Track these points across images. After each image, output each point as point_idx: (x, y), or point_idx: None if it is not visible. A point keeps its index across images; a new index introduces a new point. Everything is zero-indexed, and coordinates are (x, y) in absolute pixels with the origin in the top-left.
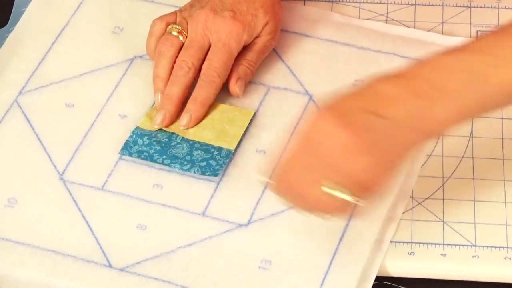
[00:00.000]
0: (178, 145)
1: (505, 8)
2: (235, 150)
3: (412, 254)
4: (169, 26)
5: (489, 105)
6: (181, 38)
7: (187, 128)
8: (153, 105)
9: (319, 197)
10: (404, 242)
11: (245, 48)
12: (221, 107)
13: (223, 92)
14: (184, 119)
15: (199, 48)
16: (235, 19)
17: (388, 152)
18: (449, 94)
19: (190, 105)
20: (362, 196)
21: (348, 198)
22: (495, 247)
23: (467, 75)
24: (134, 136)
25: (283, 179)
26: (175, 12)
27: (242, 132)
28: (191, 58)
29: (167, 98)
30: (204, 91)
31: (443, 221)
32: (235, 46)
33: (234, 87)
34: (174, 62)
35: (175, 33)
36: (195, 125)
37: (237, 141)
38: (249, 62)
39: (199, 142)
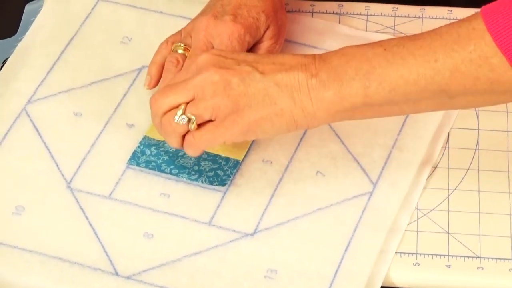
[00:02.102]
0: (185, 155)
1: None
2: (242, 160)
3: (417, 265)
4: (174, 45)
5: (372, 100)
6: (186, 54)
7: None
8: None
9: (171, 118)
10: (409, 253)
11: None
12: None
13: None
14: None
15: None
16: (236, 21)
17: (249, 109)
18: (339, 81)
19: None
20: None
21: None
22: (500, 258)
23: (360, 64)
24: (141, 147)
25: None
26: (180, 31)
27: (250, 142)
28: None
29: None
30: None
31: (448, 233)
32: (238, 48)
33: None
34: None
35: (180, 51)
36: None
37: (245, 152)
38: None
39: (206, 153)
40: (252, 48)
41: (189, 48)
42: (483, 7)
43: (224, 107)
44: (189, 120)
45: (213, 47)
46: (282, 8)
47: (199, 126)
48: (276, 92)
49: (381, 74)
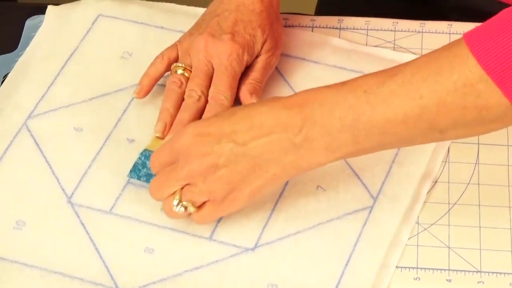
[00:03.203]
0: None
1: None
2: None
3: (417, 279)
4: (173, 65)
5: (364, 146)
6: (186, 74)
7: None
8: None
9: (170, 206)
10: (409, 267)
11: (249, 68)
12: None
13: None
14: None
15: (205, 76)
16: (234, 41)
17: (244, 183)
18: (327, 135)
19: None
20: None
21: (191, 211)
22: (500, 273)
23: (344, 113)
24: (142, 158)
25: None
26: (175, 45)
27: None
28: (199, 87)
29: (179, 122)
30: (213, 114)
31: (448, 247)
32: (237, 67)
33: (251, 99)
34: (183, 98)
35: (180, 72)
36: None
37: None
38: (255, 81)
39: None
40: (251, 63)
41: (188, 68)
42: (466, 32)
43: (219, 191)
44: (186, 207)
45: (213, 68)
46: (278, 19)
47: (200, 206)
48: (264, 161)
49: (367, 121)
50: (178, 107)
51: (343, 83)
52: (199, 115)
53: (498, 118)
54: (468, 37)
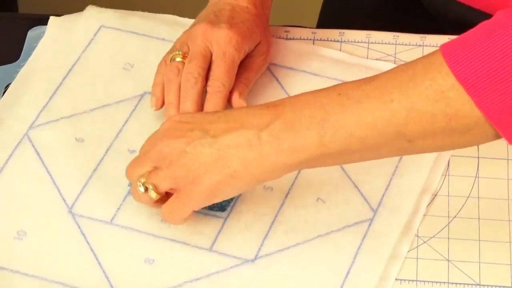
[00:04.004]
0: None
1: None
2: None
3: None
4: (172, 54)
5: (329, 149)
6: (185, 62)
7: None
8: None
9: (136, 187)
10: (409, 280)
11: (241, 67)
12: None
13: None
14: None
15: (202, 57)
16: (233, 29)
17: (205, 175)
18: (293, 132)
19: None
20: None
21: (153, 195)
22: (500, 286)
23: (314, 112)
24: None
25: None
26: (173, 47)
27: None
28: (196, 68)
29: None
30: (212, 104)
31: (448, 260)
32: (236, 54)
33: (239, 100)
34: None
35: (179, 59)
36: None
37: None
38: (246, 80)
39: None
40: (244, 62)
41: (187, 56)
42: (443, 44)
43: (181, 178)
44: (147, 189)
45: (211, 51)
46: (268, 28)
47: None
48: (228, 154)
49: (336, 121)
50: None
51: (321, 89)
52: (200, 98)
53: (468, 130)
54: (444, 47)
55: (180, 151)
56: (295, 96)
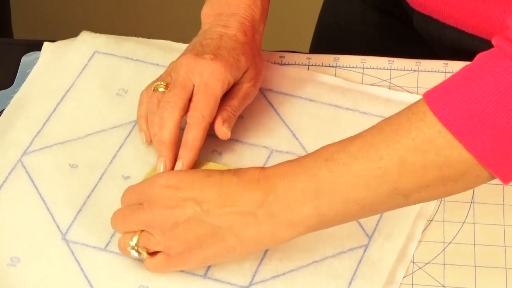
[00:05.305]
0: None
1: None
2: None
3: None
4: (155, 84)
5: (327, 218)
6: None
7: None
8: (155, 166)
9: (126, 243)
10: None
11: (227, 95)
12: (219, 168)
13: (225, 154)
14: (177, 167)
15: (182, 88)
16: (217, 60)
17: (200, 248)
18: (288, 209)
19: (181, 152)
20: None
21: (139, 256)
22: None
23: (305, 184)
24: None
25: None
26: (157, 78)
27: None
28: (174, 97)
29: (161, 144)
30: (191, 134)
31: (443, 286)
32: (219, 86)
33: (222, 128)
34: None
35: (161, 89)
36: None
37: None
38: (232, 108)
39: None
40: (231, 90)
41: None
42: (425, 92)
43: (175, 247)
44: (140, 252)
45: (193, 83)
46: (260, 55)
47: (153, 253)
48: (224, 231)
49: (329, 190)
50: None
51: (306, 155)
52: (178, 128)
53: (461, 176)
54: (427, 94)
55: (174, 223)
56: (282, 166)
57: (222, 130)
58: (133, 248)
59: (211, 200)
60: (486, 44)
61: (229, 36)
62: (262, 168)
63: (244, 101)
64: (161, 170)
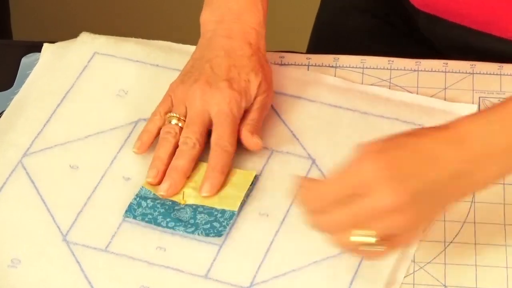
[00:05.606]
0: (181, 210)
1: (507, 75)
2: (238, 212)
3: None
4: (168, 115)
5: None
6: (180, 124)
7: (209, 196)
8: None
9: (347, 241)
10: None
11: (245, 110)
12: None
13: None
14: (205, 186)
15: (201, 123)
16: (232, 88)
17: (428, 210)
18: (490, 158)
19: (209, 173)
20: (389, 245)
21: (376, 248)
22: None
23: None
24: (138, 199)
25: (317, 206)
26: (168, 96)
27: (244, 192)
28: (194, 134)
29: (174, 169)
30: (221, 160)
31: (444, 286)
32: (237, 113)
33: (252, 139)
34: (176, 147)
35: (174, 122)
36: (216, 193)
37: (240, 202)
38: (254, 121)
39: (202, 206)
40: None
41: (182, 118)
42: None
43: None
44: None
45: (209, 116)
46: (266, 61)
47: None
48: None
49: None
50: (171, 156)
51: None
52: (193, 163)
53: None
54: None
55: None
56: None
57: (253, 141)
58: (372, 244)
59: (428, 173)
60: (494, 41)
61: (235, 50)
62: (444, 127)
63: (262, 112)
64: (164, 189)
